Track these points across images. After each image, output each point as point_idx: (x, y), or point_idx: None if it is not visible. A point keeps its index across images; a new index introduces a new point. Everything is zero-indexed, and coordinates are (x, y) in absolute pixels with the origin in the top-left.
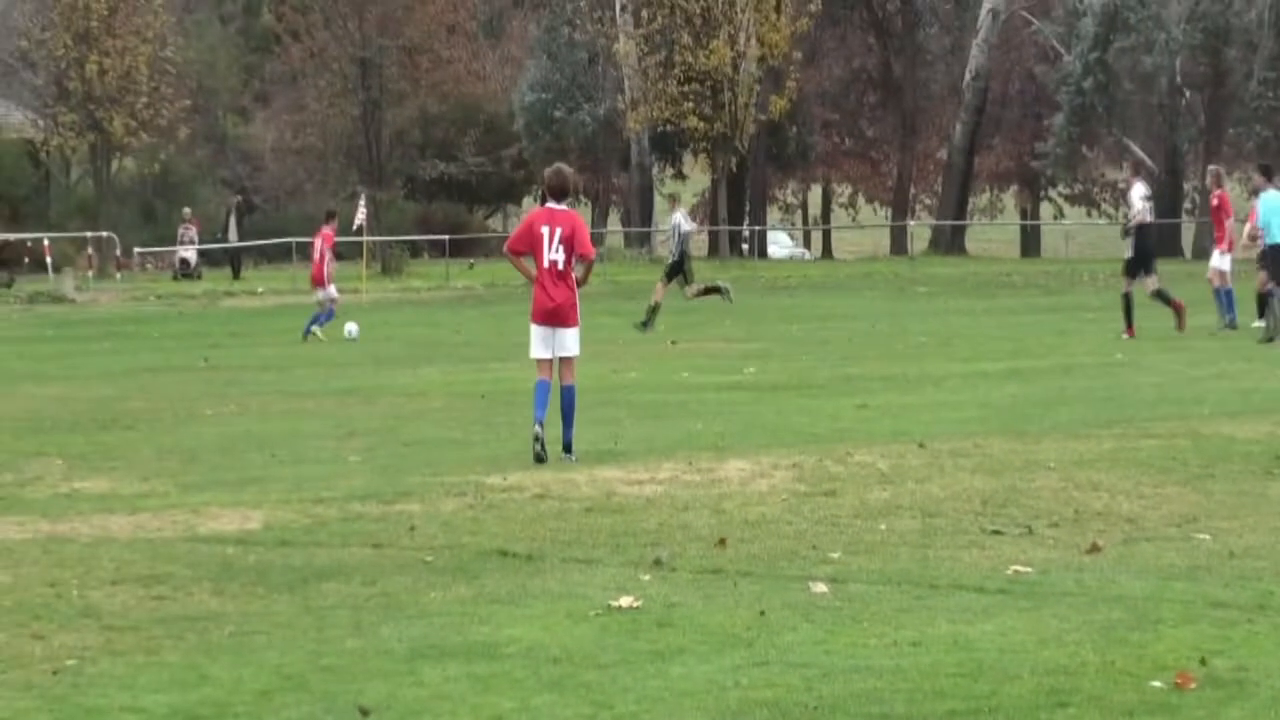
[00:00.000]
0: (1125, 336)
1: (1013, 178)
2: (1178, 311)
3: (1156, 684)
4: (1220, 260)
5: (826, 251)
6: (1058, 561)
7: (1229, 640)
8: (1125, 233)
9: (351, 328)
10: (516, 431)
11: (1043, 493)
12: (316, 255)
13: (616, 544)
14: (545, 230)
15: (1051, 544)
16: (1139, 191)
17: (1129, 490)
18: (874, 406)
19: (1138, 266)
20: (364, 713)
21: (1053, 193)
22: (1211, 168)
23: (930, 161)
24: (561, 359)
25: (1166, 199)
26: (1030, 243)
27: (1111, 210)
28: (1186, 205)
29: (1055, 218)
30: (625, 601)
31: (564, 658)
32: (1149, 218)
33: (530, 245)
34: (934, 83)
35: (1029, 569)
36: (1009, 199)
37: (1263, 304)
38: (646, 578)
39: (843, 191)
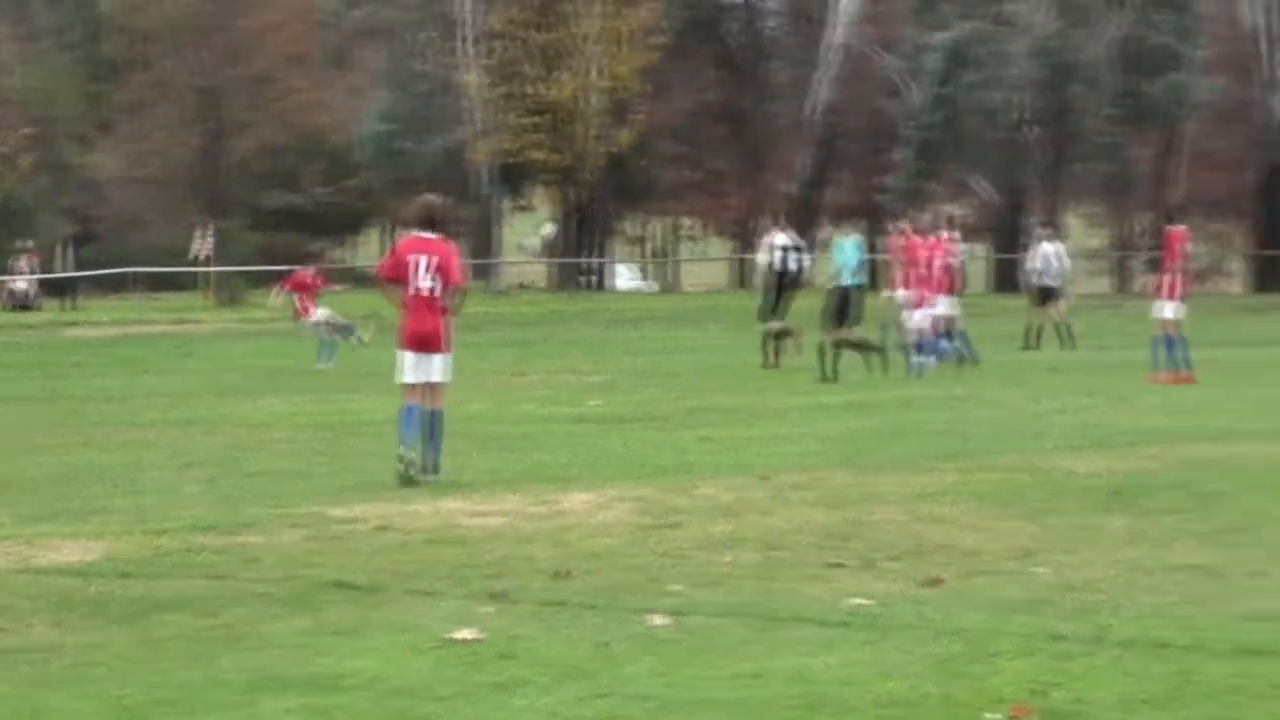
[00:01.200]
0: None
1: (857, 211)
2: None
3: (995, 717)
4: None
5: (674, 284)
6: (899, 594)
7: (1067, 673)
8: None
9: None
10: (360, 462)
11: (884, 526)
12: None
13: (459, 576)
14: (415, 258)
15: (893, 577)
16: (775, 240)
17: (969, 524)
18: (717, 439)
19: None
20: None
21: (890, 227)
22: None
23: (775, 195)
24: (432, 384)
25: (1007, 234)
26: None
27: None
28: (1024, 241)
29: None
30: (467, 634)
31: (405, 690)
32: (784, 267)
33: (399, 273)
34: (780, 116)
35: (870, 601)
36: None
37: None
38: (489, 610)
39: (690, 224)
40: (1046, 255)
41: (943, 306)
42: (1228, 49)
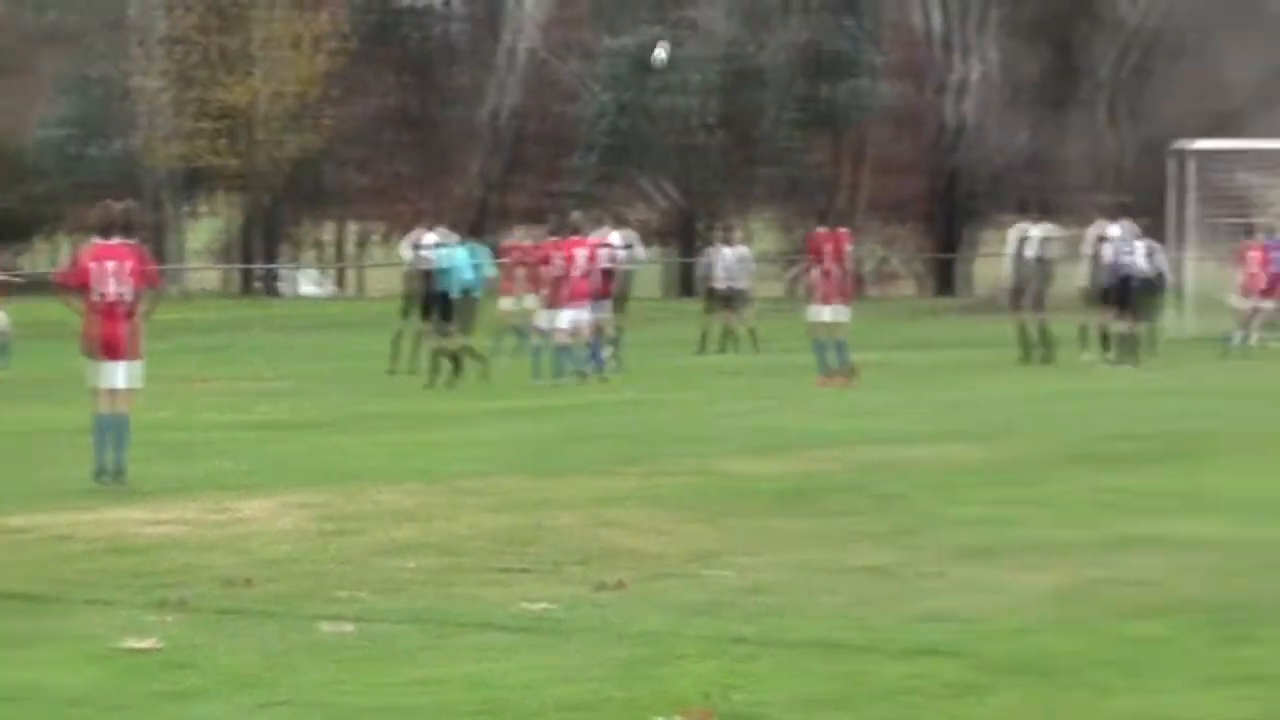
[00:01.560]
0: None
1: (540, 215)
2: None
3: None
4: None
5: (359, 290)
6: (581, 598)
7: (747, 674)
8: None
9: None
10: (44, 471)
11: (566, 530)
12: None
13: (139, 584)
14: (100, 265)
15: (575, 581)
16: (424, 240)
17: (651, 527)
18: (400, 444)
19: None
20: None
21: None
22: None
23: (457, 200)
24: (120, 390)
25: (689, 238)
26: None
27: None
28: (699, 244)
29: None
30: (145, 643)
31: (81, 700)
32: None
33: (80, 279)
34: (462, 121)
35: (553, 606)
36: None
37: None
38: (168, 618)
39: (376, 229)
40: (727, 259)
41: (592, 311)
42: (906, 54)
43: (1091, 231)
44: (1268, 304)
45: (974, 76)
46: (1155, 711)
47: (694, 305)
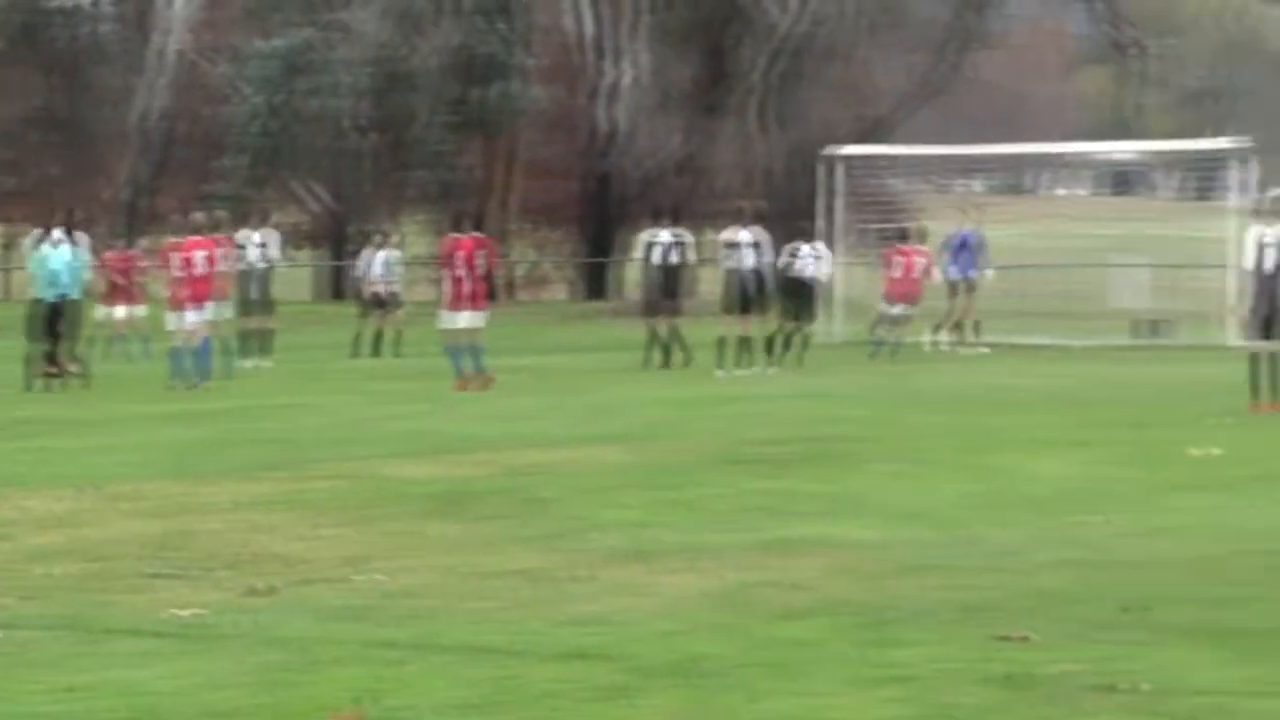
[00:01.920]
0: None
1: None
2: None
3: None
4: None
5: (6, 292)
6: (230, 604)
7: (395, 679)
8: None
9: None
10: None
11: (215, 535)
12: None
13: None
14: None
15: (224, 586)
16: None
17: (300, 532)
18: (49, 450)
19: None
20: None
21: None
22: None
23: (103, 203)
24: None
25: (341, 242)
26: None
27: (292, 252)
28: (350, 248)
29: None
30: None
31: None
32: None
33: None
34: (111, 123)
35: (202, 611)
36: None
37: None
38: None
39: (23, 232)
40: (380, 262)
41: (209, 311)
42: (558, 58)
43: (724, 236)
44: (900, 309)
45: (625, 81)
46: (805, 714)
47: (345, 309)
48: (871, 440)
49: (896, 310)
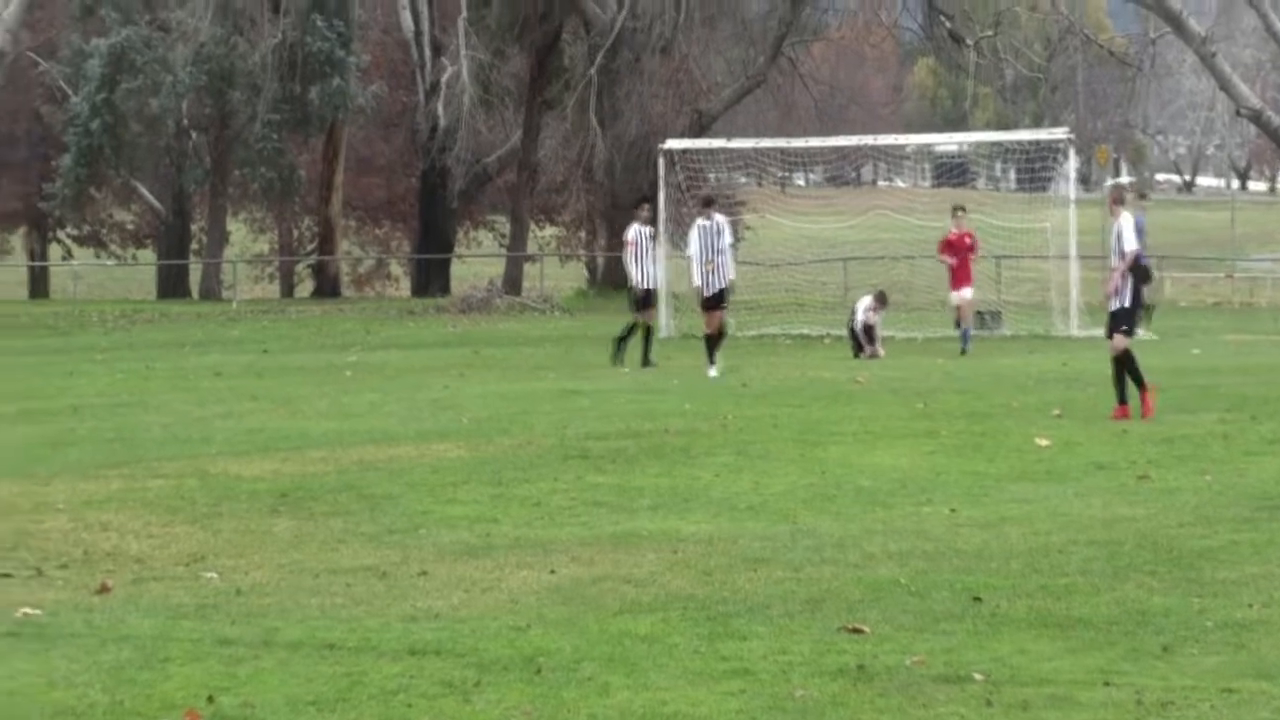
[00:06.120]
0: None
1: (20, 219)
2: None
3: None
4: None
5: None
6: (67, 603)
7: (236, 677)
8: None
9: None
10: None
11: (51, 534)
12: None
13: None
14: None
15: (61, 585)
16: None
17: (138, 530)
18: None
19: None
20: None
21: (61, 234)
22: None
23: None
24: None
25: (175, 240)
26: (39, 284)
27: (120, 251)
28: (194, 246)
29: (64, 259)
30: None
31: None
32: None
33: None
34: None
35: (38, 611)
36: (16, 240)
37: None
38: None
39: None
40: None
41: None
42: (389, 55)
43: (630, 234)
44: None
45: (455, 77)
46: (648, 707)
47: (185, 306)
48: (707, 434)
49: None
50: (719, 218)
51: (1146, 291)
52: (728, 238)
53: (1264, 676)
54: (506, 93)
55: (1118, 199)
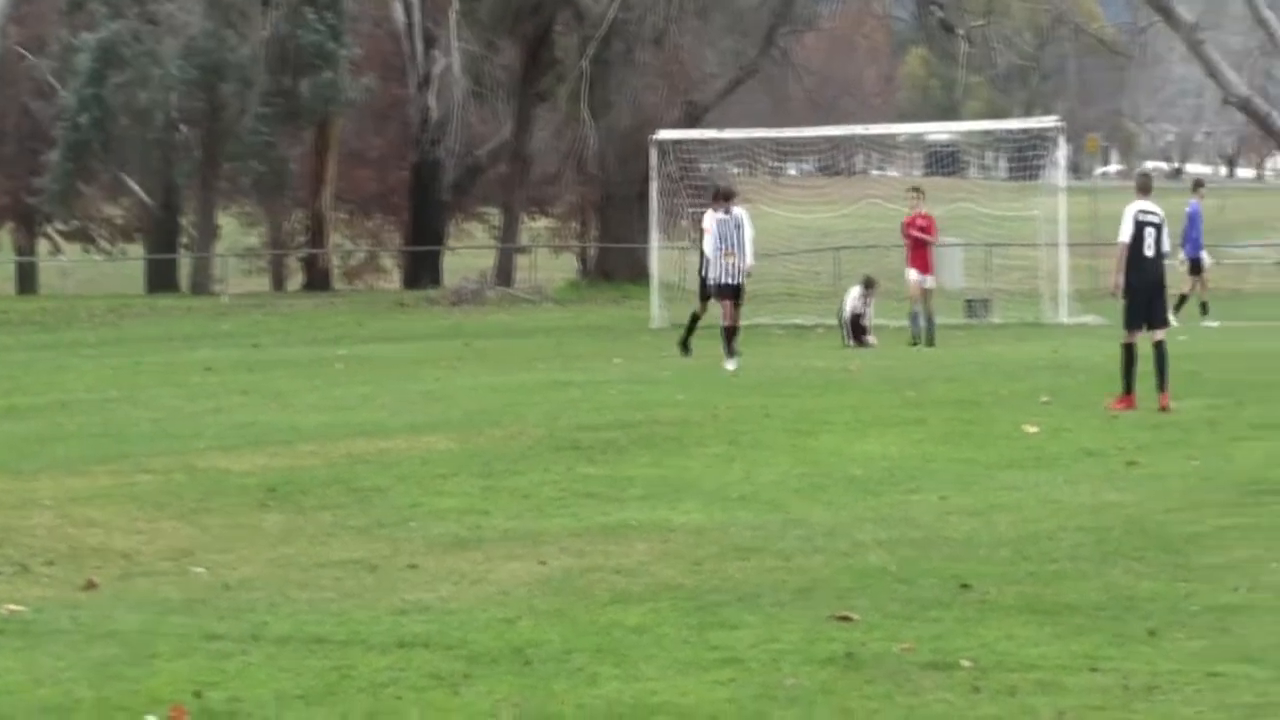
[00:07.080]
0: None
1: (8, 214)
2: None
3: (151, 718)
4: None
5: None
6: (53, 599)
7: (224, 672)
8: None
9: None
10: None
11: (38, 530)
12: None
13: None
14: None
15: (47, 582)
16: None
17: (126, 526)
18: None
19: None
20: None
21: (49, 229)
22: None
23: None
24: None
25: (164, 234)
26: (27, 279)
27: (109, 246)
28: (183, 240)
29: (52, 254)
30: None
31: None
32: None
33: None
34: None
35: (24, 608)
36: (4, 235)
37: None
38: None
39: None
40: None
41: None
42: (380, 47)
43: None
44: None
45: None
46: (637, 698)
47: (173, 300)
48: (698, 424)
49: None
50: (737, 211)
51: (1192, 280)
52: (748, 231)
53: (1249, 660)
54: (498, 84)
55: (1141, 186)
